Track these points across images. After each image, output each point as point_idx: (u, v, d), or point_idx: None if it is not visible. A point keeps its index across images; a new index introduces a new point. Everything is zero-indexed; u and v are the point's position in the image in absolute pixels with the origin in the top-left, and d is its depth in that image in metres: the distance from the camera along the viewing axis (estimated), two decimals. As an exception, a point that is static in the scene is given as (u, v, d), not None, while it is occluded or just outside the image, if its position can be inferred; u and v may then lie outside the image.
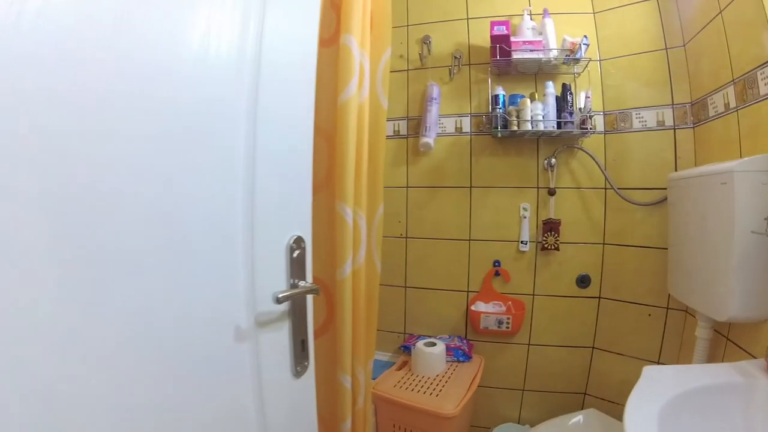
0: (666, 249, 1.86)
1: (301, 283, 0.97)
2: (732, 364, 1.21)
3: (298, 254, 0.97)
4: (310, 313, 1.02)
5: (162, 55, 0.69)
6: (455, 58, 2.17)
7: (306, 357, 1.02)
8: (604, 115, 2.05)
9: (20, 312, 0.52)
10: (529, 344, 2.17)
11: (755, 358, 1.31)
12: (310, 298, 1.01)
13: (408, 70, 2.25)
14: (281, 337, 0.96)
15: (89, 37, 0.59)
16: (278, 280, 0.93)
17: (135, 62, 0.65)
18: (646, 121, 1.96)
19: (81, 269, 0.58)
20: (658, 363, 1.92)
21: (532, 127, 1.94)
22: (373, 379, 1.97)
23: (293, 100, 0.98)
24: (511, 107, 2.01)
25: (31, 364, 0.54)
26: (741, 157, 1.45)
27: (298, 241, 0.97)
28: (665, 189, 1.86)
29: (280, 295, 0.86)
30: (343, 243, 1.29)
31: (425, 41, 2.21)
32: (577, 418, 1.91)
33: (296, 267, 0.96)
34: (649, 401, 1.04)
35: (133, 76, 0.64)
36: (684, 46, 1.87)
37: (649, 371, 1.19)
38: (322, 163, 1.40)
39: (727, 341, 1.51)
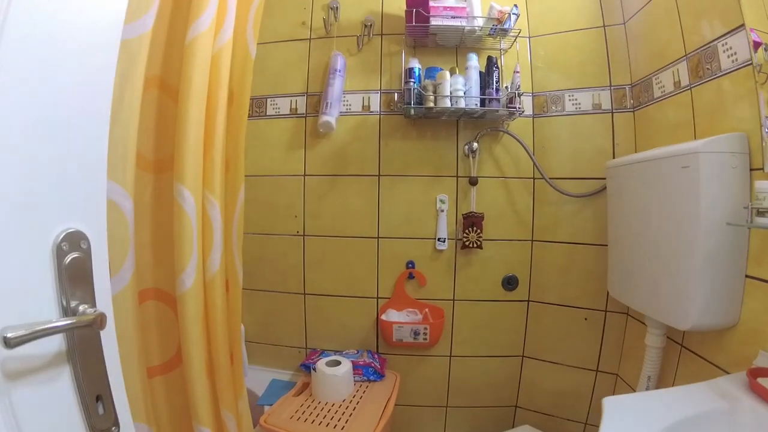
0: (604, 245, 1.75)
1: (82, 308, 0.65)
2: (707, 383, 1.05)
3: (75, 259, 0.64)
4: (111, 352, 0.71)
5: None
6: (365, 26, 1.91)
7: (110, 419, 0.70)
8: (533, 96, 1.90)
9: None
10: (450, 356, 1.97)
11: (720, 369, 1.21)
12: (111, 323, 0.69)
13: (310, 39, 1.96)
14: (57, 394, 0.64)
15: None
16: (32, 303, 0.60)
17: None
18: (580, 104, 1.83)
19: None
20: (597, 371, 1.82)
21: (452, 104, 1.73)
22: (269, 405, 1.68)
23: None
24: (427, 81, 1.79)
25: None
26: (696, 139, 1.31)
27: (75, 239, 0.65)
28: (603, 179, 1.74)
29: (11, 335, 0.53)
30: (182, 242, 0.94)
31: (332, 6, 1.93)
32: None
33: (71, 281, 0.64)
34: None
35: None
36: (624, 23, 1.77)
37: (611, 403, 0.98)
38: (169, 132, 1.04)
39: (682, 348, 1.40)
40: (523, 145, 1.80)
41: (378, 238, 1.96)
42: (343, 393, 1.70)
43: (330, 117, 1.81)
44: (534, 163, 1.82)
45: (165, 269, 1.07)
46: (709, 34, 1.28)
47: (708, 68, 1.29)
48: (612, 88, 1.78)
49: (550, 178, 1.81)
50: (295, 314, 2.02)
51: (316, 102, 1.93)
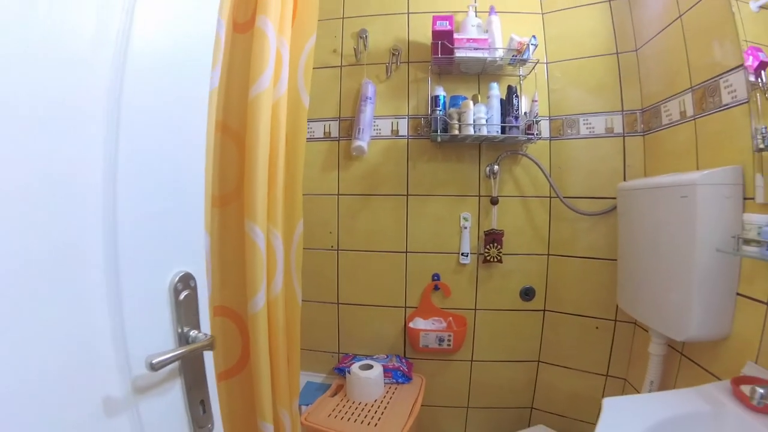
0: (614, 260, 1.85)
1: (193, 333, 0.79)
2: (696, 389, 1.17)
3: (187, 296, 0.79)
4: (209, 365, 0.85)
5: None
6: (393, 54, 2.06)
7: (209, 419, 0.86)
8: (550, 120, 2.01)
9: None
10: (472, 360, 2.11)
11: (714, 376, 1.32)
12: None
13: (341, 66, 2.12)
14: (171, 401, 0.79)
15: None
16: (159, 332, 0.75)
17: None
18: (593, 128, 1.94)
19: None
20: (607, 375, 1.94)
21: (475, 132, 1.87)
22: (307, 405, 1.85)
23: (178, 96, 0.79)
24: (452, 109, 1.92)
25: None
26: (698, 168, 1.44)
27: (186, 279, 0.78)
28: (614, 198, 1.85)
29: (155, 361, 0.68)
30: (254, 271, 1.12)
31: (361, 35, 2.08)
32: None
33: (185, 312, 0.78)
34: None
35: None
36: (636, 51, 1.86)
37: (609, 403, 1.13)
38: (232, 170, 1.22)
39: (682, 356, 1.51)
40: (540, 167, 1.94)
41: (406, 252, 2.10)
42: (375, 394, 1.86)
43: (362, 142, 1.97)
44: (550, 185, 1.94)
45: (229, 289, 1.25)
46: (711, 70, 1.38)
47: (711, 101, 1.39)
48: (624, 112, 1.88)
49: (566, 197, 1.93)
50: (330, 322, 2.17)
51: (348, 126, 2.08)
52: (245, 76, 1.17)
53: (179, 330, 0.78)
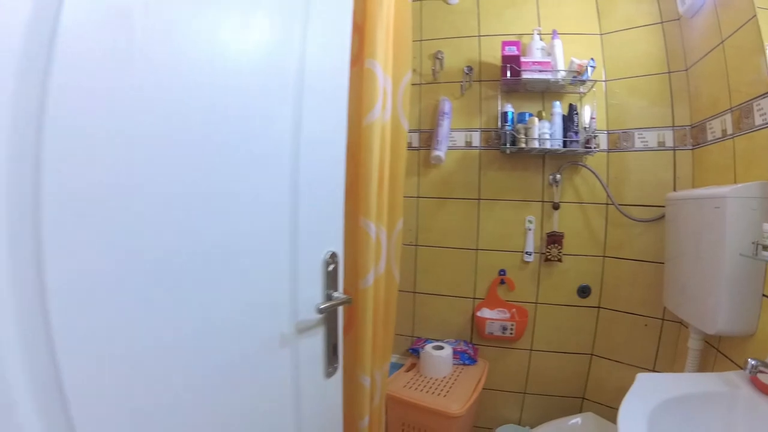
0: (662, 263, 2.07)
1: (335, 294, 1.17)
2: (719, 374, 1.39)
3: (333, 268, 1.18)
4: (340, 320, 1.22)
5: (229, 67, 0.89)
6: (466, 73, 2.44)
7: (336, 359, 1.23)
8: (608, 134, 2.29)
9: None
10: (531, 350, 2.43)
11: (741, 368, 1.44)
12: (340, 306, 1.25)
13: (421, 84, 2.52)
14: (317, 342, 1.16)
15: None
16: (315, 292, 1.14)
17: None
18: (647, 141, 2.18)
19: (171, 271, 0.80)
20: (653, 371, 2.13)
21: (539, 145, 2.20)
22: None
23: (329, 118, 1.17)
24: (519, 125, 2.27)
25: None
26: (735, 181, 1.65)
27: (333, 257, 1.17)
28: (663, 207, 2.07)
29: (322, 306, 1.08)
30: (366, 256, 1.56)
31: (437, 56, 2.48)
32: (575, 420, 2.13)
33: (331, 280, 1.17)
34: (641, 404, 1.21)
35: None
36: (686, 70, 2.08)
37: (642, 378, 1.36)
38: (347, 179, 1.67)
39: (717, 352, 1.69)
40: (597, 178, 2.24)
41: (477, 250, 2.47)
42: (444, 371, 2.24)
43: (440, 152, 2.39)
44: (607, 193, 2.24)
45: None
46: (747, 94, 1.57)
47: (746, 122, 1.58)
48: (674, 128, 2.10)
49: (621, 204, 2.20)
50: (407, 308, 2.57)
51: (427, 137, 2.49)
52: (356, 104, 1.58)
53: (327, 292, 1.16)
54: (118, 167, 0.70)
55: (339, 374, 1.27)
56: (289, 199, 1.05)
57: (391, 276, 1.76)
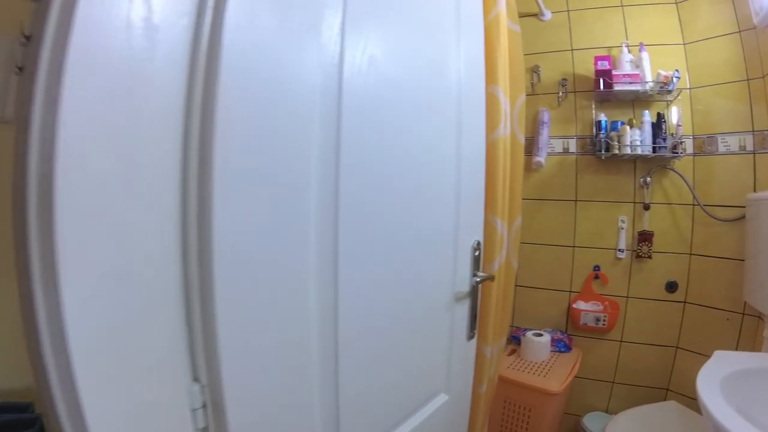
0: (742, 260, 2.29)
1: (480, 274, 1.57)
2: None
3: (477, 254, 1.58)
4: (479, 296, 1.63)
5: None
6: (562, 85, 2.82)
7: (475, 326, 1.62)
8: (693, 139, 2.54)
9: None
10: (621, 341, 2.72)
11: None
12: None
13: None
14: (465, 309, 1.54)
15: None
16: (466, 271, 1.54)
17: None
18: (729, 146, 2.41)
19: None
20: None
21: (631, 151, 2.54)
22: None
23: (476, 137, 1.55)
24: (612, 132, 2.62)
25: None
26: None
27: (478, 244, 1.58)
28: (743, 207, 2.29)
29: (475, 281, 1.55)
30: (493, 246, 1.99)
31: (535, 70, 2.88)
32: (658, 407, 2.40)
33: (476, 262, 1.57)
34: (716, 371, 1.46)
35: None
36: (763, 77, 2.25)
37: (718, 353, 1.60)
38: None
39: None
40: (684, 180, 2.49)
41: (573, 247, 2.81)
42: (542, 356, 2.61)
43: (540, 158, 2.79)
44: (693, 194, 2.49)
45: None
46: None
47: None
48: (754, 132, 2.31)
49: (706, 205, 2.43)
50: None
51: (529, 144, 2.81)
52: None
53: (473, 272, 1.56)
54: (383, 189, 1.16)
55: (475, 339, 1.65)
56: (454, 200, 1.43)
57: (510, 264, 2.21)
